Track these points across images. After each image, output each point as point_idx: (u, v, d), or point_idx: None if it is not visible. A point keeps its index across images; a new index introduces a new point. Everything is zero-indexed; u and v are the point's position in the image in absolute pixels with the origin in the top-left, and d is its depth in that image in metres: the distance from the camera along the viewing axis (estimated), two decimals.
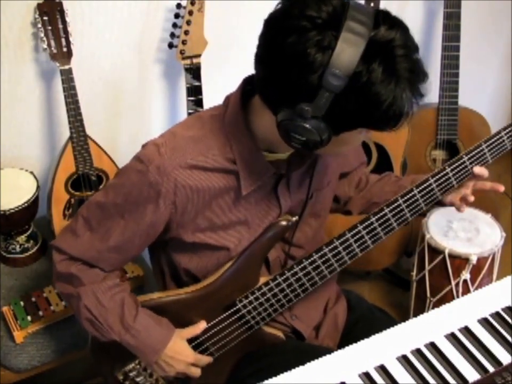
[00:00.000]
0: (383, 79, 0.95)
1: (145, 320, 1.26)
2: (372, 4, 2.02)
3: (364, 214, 1.50)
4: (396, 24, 0.97)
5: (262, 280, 1.29)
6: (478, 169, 1.28)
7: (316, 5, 0.95)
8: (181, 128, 1.20)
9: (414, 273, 2.10)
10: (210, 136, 1.16)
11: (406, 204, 1.26)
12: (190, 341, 1.32)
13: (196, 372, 1.33)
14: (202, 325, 1.30)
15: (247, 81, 1.17)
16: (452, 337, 1.19)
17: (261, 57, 1.03)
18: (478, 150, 1.28)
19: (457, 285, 1.96)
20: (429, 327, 1.20)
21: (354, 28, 0.93)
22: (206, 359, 1.34)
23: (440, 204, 1.36)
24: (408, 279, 2.19)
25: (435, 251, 1.97)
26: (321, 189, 1.32)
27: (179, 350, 1.28)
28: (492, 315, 1.24)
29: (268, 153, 1.18)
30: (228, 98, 1.20)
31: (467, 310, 1.24)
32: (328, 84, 0.94)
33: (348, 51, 0.93)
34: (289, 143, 1.05)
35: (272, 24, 1.01)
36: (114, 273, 1.30)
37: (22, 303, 1.71)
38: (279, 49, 0.97)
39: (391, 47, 0.95)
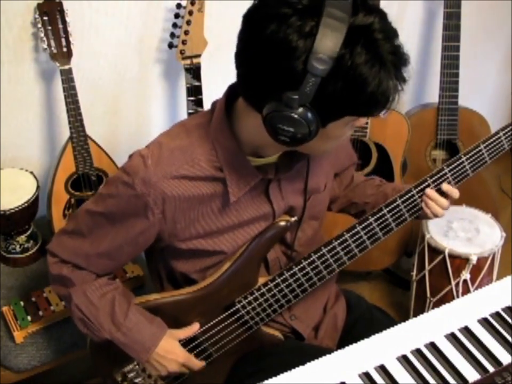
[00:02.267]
0: (367, 60, 0.95)
1: (136, 318, 1.26)
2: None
3: (342, 213, 1.52)
4: (374, 10, 0.97)
5: (261, 280, 1.29)
6: (447, 187, 1.28)
7: None
8: (167, 137, 1.19)
9: (414, 273, 2.10)
10: (196, 144, 1.16)
11: (404, 205, 1.27)
12: (189, 341, 1.32)
13: (186, 371, 1.33)
14: (195, 327, 1.30)
15: (232, 88, 1.16)
16: (452, 337, 1.19)
17: (241, 53, 1.02)
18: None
19: (457, 285, 1.96)
20: (429, 327, 1.20)
21: (335, 14, 0.93)
22: (197, 363, 1.33)
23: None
24: (408, 279, 2.19)
25: (435, 251, 1.97)
26: (319, 192, 1.32)
27: (170, 349, 1.28)
28: (492, 315, 1.24)
29: (255, 158, 1.17)
30: (213, 105, 1.19)
31: (467, 310, 1.24)
32: (313, 68, 0.93)
33: (330, 36, 0.92)
34: (276, 137, 1.03)
35: (250, 16, 1.00)
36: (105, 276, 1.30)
37: (22, 303, 1.71)
38: (260, 39, 0.96)
39: (371, 31, 0.95)
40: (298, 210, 1.29)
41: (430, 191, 1.28)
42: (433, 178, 1.28)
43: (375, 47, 0.95)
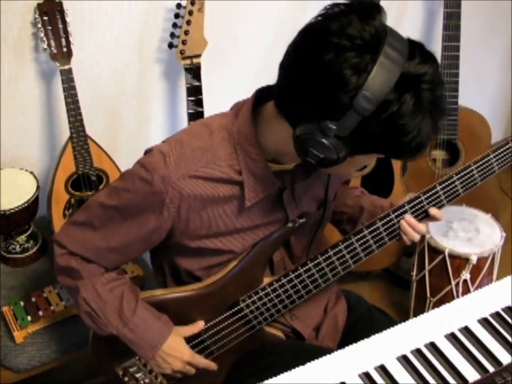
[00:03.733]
0: (412, 111, 0.96)
1: (144, 315, 1.26)
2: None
3: None
4: (429, 59, 0.98)
5: (266, 280, 1.29)
6: (434, 211, 1.28)
7: (359, 25, 0.95)
8: (188, 136, 1.18)
9: (414, 273, 2.10)
10: (218, 146, 1.15)
11: (411, 209, 1.28)
12: (191, 338, 1.32)
13: (191, 370, 1.33)
14: (201, 324, 1.30)
15: (260, 92, 1.15)
16: (452, 337, 1.19)
17: (290, 67, 1.01)
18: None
19: (457, 285, 1.96)
20: (429, 327, 1.20)
21: (391, 55, 0.94)
22: (203, 361, 1.33)
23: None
24: (408, 279, 2.19)
25: (435, 251, 1.97)
26: (331, 201, 1.34)
27: (176, 347, 1.28)
28: (492, 315, 1.24)
29: (272, 164, 1.18)
30: (237, 107, 1.19)
31: (467, 310, 1.24)
32: (358, 105, 0.94)
33: (382, 77, 0.93)
34: (304, 157, 1.04)
35: (309, 35, 0.99)
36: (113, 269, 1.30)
37: (22, 303, 1.71)
38: (314, 63, 0.96)
39: (422, 81, 0.96)
40: (313, 217, 1.30)
41: (408, 217, 1.27)
42: (443, 185, 1.28)
43: (421, 98, 0.96)
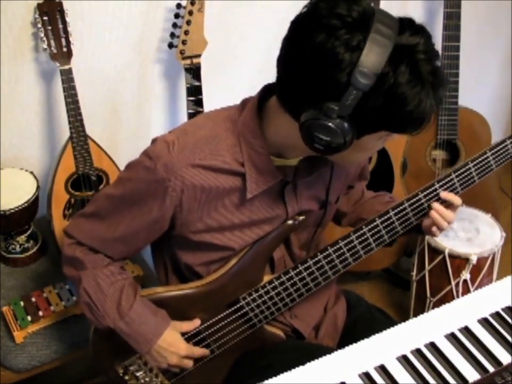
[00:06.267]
0: (409, 80, 0.97)
1: (141, 309, 1.26)
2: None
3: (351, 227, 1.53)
4: (420, 30, 1.00)
5: (266, 278, 1.30)
6: (445, 194, 1.28)
7: (346, 5, 0.97)
8: (193, 126, 1.20)
9: (414, 273, 2.10)
10: (222, 136, 1.16)
11: (411, 208, 1.28)
12: (191, 336, 1.32)
13: (189, 364, 1.33)
14: (198, 322, 1.31)
15: (267, 87, 1.17)
16: (452, 337, 1.19)
17: (286, 58, 1.03)
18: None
19: (457, 285, 1.96)
20: (429, 327, 1.20)
21: (382, 30, 0.96)
22: (200, 351, 1.33)
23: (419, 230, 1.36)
24: (408, 279, 2.19)
25: (435, 251, 1.97)
26: (331, 204, 1.33)
27: (172, 341, 1.29)
28: (492, 315, 1.24)
29: (276, 158, 1.18)
30: (244, 102, 1.20)
31: (467, 310, 1.24)
32: (356, 81, 0.95)
33: (376, 52, 0.95)
34: (312, 144, 1.04)
35: (299, 24, 1.01)
36: (118, 262, 1.31)
37: (22, 303, 1.71)
38: (307, 48, 0.98)
39: (415, 52, 0.98)
40: (311, 216, 1.29)
41: (436, 205, 1.27)
42: (441, 183, 1.28)
43: (418, 68, 0.98)
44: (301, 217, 1.27)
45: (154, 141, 1.20)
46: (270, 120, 1.15)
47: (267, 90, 1.16)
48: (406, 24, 1.00)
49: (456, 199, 1.28)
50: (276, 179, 1.19)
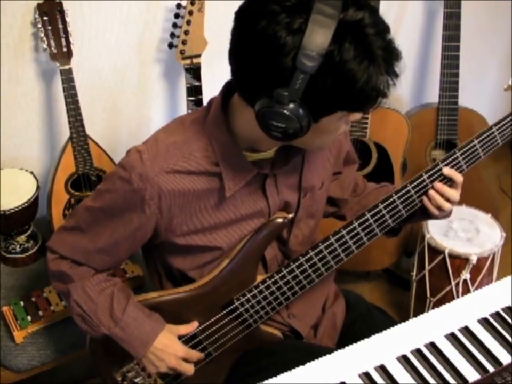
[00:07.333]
0: (355, 56, 0.95)
1: (134, 313, 1.26)
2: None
3: None
4: (364, 5, 0.97)
5: (259, 278, 1.29)
6: (448, 170, 1.26)
7: None
8: (164, 133, 1.21)
9: (414, 273, 2.10)
10: (193, 140, 1.17)
11: (400, 201, 1.26)
12: (188, 340, 1.32)
13: (189, 368, 1.32)
14: (195, 324, 1.31)
15: (229, 84, 1.17)
16: (452, 337, 1.19)
17: (234, 49, 1.04)
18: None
19: (457, 285, 1.97)
20: (429, 327, 1.20)
21: (324, 10, 0.93)
22: (197, 354, 1.33)
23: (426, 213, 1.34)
24: (408, 279, 2.19)
25: (435, 251, 1.97)
26: (314, 190, 1.32)
27: (169, 343, 1.28)
28: (492, 315, 1.24)
29: (250, 153, 1.18)
30: (210, 101, 1.20)
31: (467, 310, 1.24)
32: (302, 65, 0.94)
33: (318, 32, 0.93)
34: (269, 133, 1.04)
35: (242, 13, 1.01)
36: (103, 272, 1.30)
37: (22, 303, 1.71)
38: (250, 36, 0.98)
39: (361, 26, 0.96)
40: (294, 206, 1.29)
41: (437, 184, 1.26)
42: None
43: (365, 42, 0.96)
44: (290, 215, 1.27)
45: (128, 151, 1.20)
46: (235, 115, 1.14)
47: (230, 86, 1.16)
48: (349, 1, 0.96)
49: (457, 176, 1.27)
50: (251, 173, 1.18)
